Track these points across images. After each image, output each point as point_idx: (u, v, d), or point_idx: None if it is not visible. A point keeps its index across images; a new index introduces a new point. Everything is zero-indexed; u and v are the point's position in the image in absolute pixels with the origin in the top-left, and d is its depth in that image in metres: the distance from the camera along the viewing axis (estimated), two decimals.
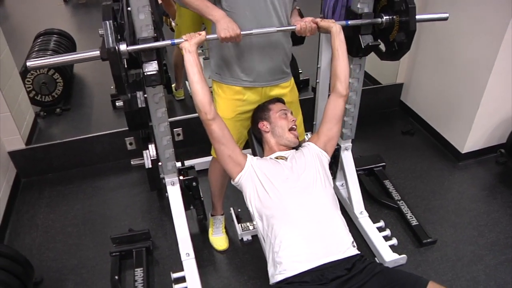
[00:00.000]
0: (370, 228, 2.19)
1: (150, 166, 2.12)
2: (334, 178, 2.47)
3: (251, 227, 2.26)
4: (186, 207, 2.05)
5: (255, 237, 2.23)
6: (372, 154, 2.79)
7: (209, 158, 2.09)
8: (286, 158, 1.67)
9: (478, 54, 2.49)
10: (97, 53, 1.43)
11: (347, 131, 2.23)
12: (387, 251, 2.06)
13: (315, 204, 1.51)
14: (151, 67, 1.55)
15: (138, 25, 1.53)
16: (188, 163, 2.27)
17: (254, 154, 1.87)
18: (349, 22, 1.79)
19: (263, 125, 1.78)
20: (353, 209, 2.28)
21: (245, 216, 2.33)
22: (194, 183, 2.11)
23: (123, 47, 1.44)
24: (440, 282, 1.35)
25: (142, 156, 2.18)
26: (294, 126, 1.75)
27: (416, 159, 2.86)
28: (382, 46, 1.92)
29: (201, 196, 2.18)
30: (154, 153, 2.10)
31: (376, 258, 2.09)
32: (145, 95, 1.78)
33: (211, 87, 1.85)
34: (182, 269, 1.90)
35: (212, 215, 2.28)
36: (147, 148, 2.15)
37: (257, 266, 2.09)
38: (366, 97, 2.35)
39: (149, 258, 2.15)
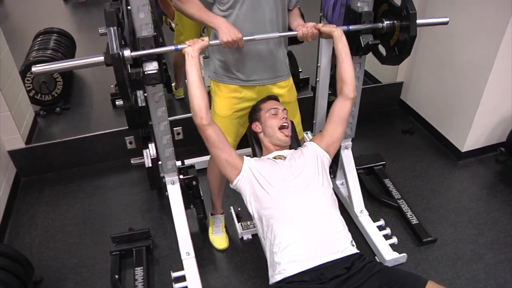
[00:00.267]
0: (370, 226, 2.19)
1: (150, 165, 2.12)
2: (334, 176, 2.47)
3: (251, 226, 2.25)
4: (186, 206, 2.05)
5: (255, 236, 2.23)
6: (372, 153, 2.78)
7: (208, 157, 2.09)
8: (285, 158, 1.66)
9: (478, 53, 2.49)
10: (101, 58, 1.44)
11: (347, 129, 2.23)
12: (387, 250, 2.07)
13: (313, 203, 1.51)
14: (151, 66, 1.56)
15: (138, 24, 1.53)
16: (188, 162, 2.28)
17: (254, 154, 1.87)
18: (350, 27, 1.78)
19: (256, 126, 1.79)
20: (353, 207, 2.28)
21: (245, 215, 2.33)
22: (194, 182, 2.11)
23: (127, 52, 1.46)
24: (440, 281, 1.36)
25: (142, 155, 2.18)
26: (284, 124, 1.73)
27: (416, 158, 2.86)
28: (383, 50, 1.92)
29: (201, 195, 2.18)
30: (154, 152, 2.10)
31: (376, 257, 2.09)
32: (145, 94, 1.79)
33: (209, 86, 1.86)
34: (182, 268, 1.91)
35: (212, 214, 2.28)
36: (147, 147, 2.15)
37: (257, 265, 2.09)
38: (366, 96, 2.35)
39: (149, 257, 2.15)
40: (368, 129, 3.09)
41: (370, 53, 1.96)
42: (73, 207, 2.53)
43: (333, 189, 1.63)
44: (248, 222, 2.28)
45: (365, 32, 1.82)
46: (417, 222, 2.27)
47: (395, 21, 1.77)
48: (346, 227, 1.53)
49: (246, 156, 1.66)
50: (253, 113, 1.82)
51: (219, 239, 2.23)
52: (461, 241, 2.22)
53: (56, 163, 2.79)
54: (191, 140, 2.89)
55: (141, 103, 1.94)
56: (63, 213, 2.49)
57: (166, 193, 2.03)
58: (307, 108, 2.39)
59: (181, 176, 2.07)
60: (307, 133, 2.61)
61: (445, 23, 1.85)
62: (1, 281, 1.71)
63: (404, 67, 3.21)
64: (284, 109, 1.78)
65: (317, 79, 2.29)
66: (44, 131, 3.14)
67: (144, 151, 2.15)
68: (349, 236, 1.51)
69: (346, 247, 1.45)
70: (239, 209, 2.36)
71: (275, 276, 1.43)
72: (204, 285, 1.90)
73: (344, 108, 1.71)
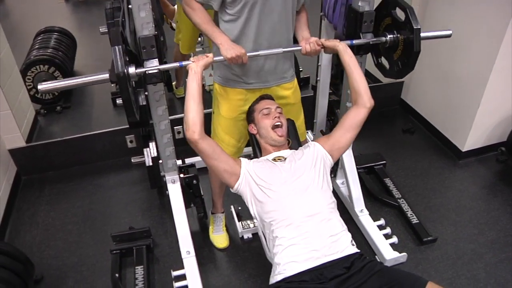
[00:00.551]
0: (370, 226, 2.20)
1: (151, 164, 2.12)
2: (334, 176, 2.47)
3: (251, 225, 2.26)
4: (187, 205, 2.05)
5: (256, 235, 2.23)
6: (373, 152, 2.78)
7: None
8: (285, 159, 1.63)
9: (478, 52, 2.49)
10: (106, 76, 1.47)
11: None
12: (387, 249, 2.07)
13: (313, 206, 1.50)
14: (152, 65, 1.56)
15: (139, 22, 1.53)
16: (188, 161, 2.27)
17: (255, 155, 1.85)
18: (354, 42, 1.78)
19: (252, 128, 1.78)
20: (353, 207, 2.28)
21: (245, 214, 2.33)
22: (194, 181, 2.11)
23: (132, 70, 1.49)
24: (440, 280, 1.36)
25: (142, 154, 2.18)
26: (277, 123, 1.68)
27: (417, 157, 2.86)
28: (386, 63, 1.91)
29: (202, 194, 2.18)
30: (155, 151, 2.10)
31: (376, 256, 2.09)
32: (146, 93, 1.79)
33: (211, 85, 1.85)
34: (182, 267, 1.91)
35: (212, 213, 2.28)
36: (148, 146, 2.15)
37: (258, 264, 2.09)
38: None
39: (149, 256, 2.15)
40: (369, 129, 3.05)
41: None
42: (73, 206, 2.53)
43: (333, 188, 1.62)
44: (249, 221, 2.28)
45: (365, 28, 1.81)
46: (418, 221, 2.27)
47: (398, 35, 1.76)
48: (346, 227, 1.53)
49: (246, 156, 1.65)
50: (248, 115, 1.80)
51: (219, 238, 2.23)
52: (462, 240, 2.22)
53: (57, 162, 2.79)
54: None
55: (141, 102, 1.94)
56: (64, 212, 2.49)
57: (167, 192, 2.03)
58: (307, 108, 2.39)
59: (181, 175, 2.07)
60: (307, 133, 2.61)
61: (448, 36, 1.85)
62: (2, 279, 1.71)
63: None
64: (278, 107, 1.74)
65: (318, 78, 2.30)
66: (44, 130, 3.14)
67: (145, 150, 2.15)
68: (349, 236, 1.50)
69: (346, 246, 1.45)
70: (239, 208, 2.36)
71: (275, 276, 1.43)
72: (204, 284, 1.90)
73: (358, 116, 1.66)
